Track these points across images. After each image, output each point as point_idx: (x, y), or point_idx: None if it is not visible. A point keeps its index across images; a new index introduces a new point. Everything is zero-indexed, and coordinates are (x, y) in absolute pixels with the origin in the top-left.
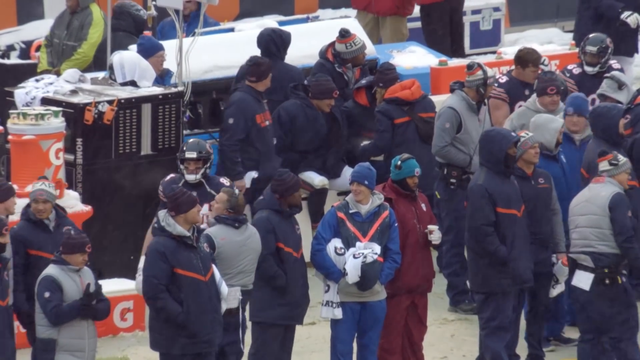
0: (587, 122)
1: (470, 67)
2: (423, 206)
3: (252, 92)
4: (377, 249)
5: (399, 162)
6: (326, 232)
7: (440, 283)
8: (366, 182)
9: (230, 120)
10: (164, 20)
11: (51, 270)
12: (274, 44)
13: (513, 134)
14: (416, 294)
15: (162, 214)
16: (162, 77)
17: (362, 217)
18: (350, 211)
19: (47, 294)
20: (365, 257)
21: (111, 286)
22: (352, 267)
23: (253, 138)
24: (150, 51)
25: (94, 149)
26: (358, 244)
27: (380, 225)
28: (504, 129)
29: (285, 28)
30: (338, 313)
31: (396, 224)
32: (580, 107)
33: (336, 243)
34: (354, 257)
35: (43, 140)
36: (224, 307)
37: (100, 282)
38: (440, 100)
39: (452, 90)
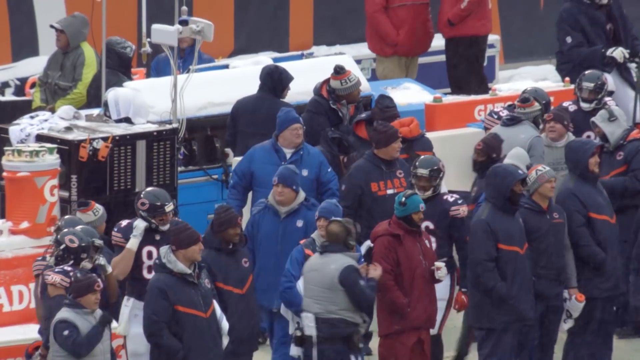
0: (298, 192)
1: (526, 100)
2: (427, 242)
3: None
4: None
5: (403, 199)
6: (295, 269)
7: None
8: (333, 219)
9: (343, 187)
10: (159, 56)
11: (65, 314)
12: (270, 80)
13: (520, 171)
14: (422, 330)
15: (163, 250)
16: (279, 150)
17: None
18: (317, 248)
19: (66, 332)
20: None
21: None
22: None
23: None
24: (282, 125)
25: (89, 186)
26: None
27: None
28: (511, 165)
29: (280, 64)
30: None
31: (363, 260)
32: (283, 177)
33: None
34: None
35: (38, 177)
36: (225, 342)
37: None
38: (437, 137)
39: (514, 122)
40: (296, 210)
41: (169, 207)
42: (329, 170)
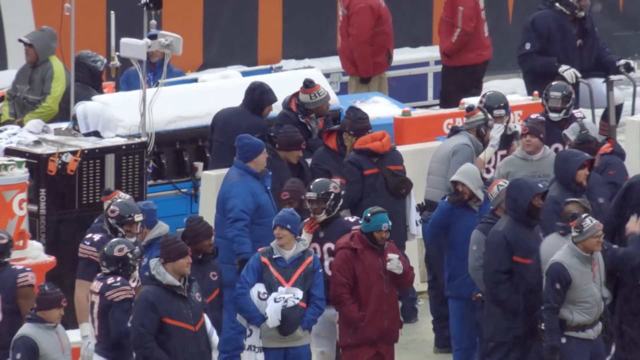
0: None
1: (470, 108)
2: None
3: None
4: (299, 294)
5: (369, 215)
6: (250, 276)
7: (403, 333)
8: (288, 227)
9: None
10: (129, 69)
11: (28, 329)
12: (250, 96)
13: (540, 185)
14: (382, 345)
15: (153, 262)
16: (260, 177)
17: (286, 262)
18: (274, 256)
19: (18, 355)
20: (286, 301)
21: (74, 337)
22: (272, 311)
23: None
24: (257, 149)
25: (58, 200)
26: (280, 288)
27: (304, 271)
28: (530, 179)
29: (249, 78)
30: (260, 358)
31: (320, 270)
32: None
33: (259, 288)
34: (275, 301)
35: (6, 190)
36: (215, 357)
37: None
38: (406, 151)
39: (454, 132)
40: (147, 247)
41: (138, 217)
42: None
